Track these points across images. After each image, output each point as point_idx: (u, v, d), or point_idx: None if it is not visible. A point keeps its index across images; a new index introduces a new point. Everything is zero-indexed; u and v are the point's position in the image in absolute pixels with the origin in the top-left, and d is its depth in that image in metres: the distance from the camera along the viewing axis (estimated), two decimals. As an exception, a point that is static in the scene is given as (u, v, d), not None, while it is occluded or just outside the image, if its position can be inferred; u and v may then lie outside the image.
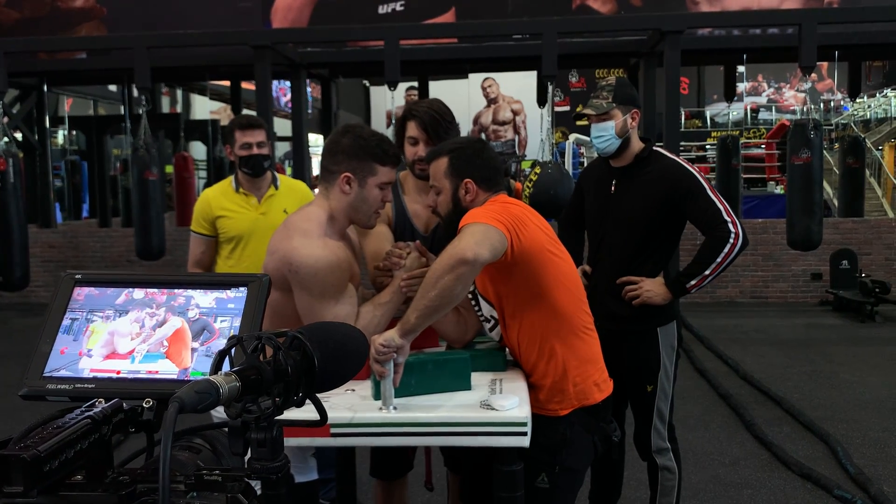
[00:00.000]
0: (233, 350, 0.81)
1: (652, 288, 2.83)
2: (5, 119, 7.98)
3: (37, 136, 10.75)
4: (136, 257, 8.37)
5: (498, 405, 1.99)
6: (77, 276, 0.99)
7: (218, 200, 3.48)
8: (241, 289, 0.97)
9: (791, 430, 4.66)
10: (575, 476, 2.24)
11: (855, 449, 4.31)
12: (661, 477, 2.99)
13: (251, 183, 3.49)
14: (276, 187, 3.54)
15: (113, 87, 14.02)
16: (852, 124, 14.30)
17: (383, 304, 2.25)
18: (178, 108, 16.86)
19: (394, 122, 9.09)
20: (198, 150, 14.68)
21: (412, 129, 2.57)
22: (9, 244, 7.80)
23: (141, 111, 7.85)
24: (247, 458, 0.85)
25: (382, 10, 8.93)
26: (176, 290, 0.98)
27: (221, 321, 0.97)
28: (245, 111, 9.71)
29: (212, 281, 0.99)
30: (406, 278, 2.22)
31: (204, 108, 16.87)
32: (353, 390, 2.16)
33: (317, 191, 2.35)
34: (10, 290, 8.33)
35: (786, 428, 4.70)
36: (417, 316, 1.96)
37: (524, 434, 1.96)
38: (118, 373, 0.94)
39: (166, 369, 0.95)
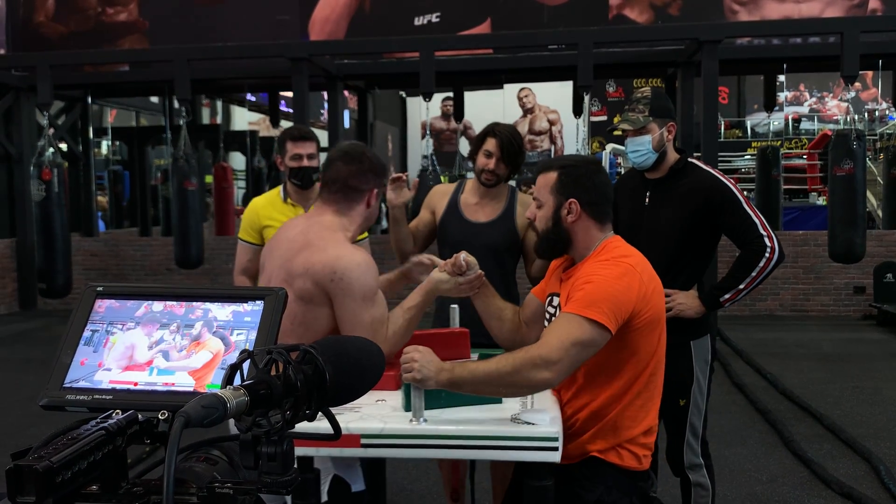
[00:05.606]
0: (246, 364, 0.82)
1: (685, 301, 2.79)
2: (51, 130, 8.18)
3: (81, 147, 11.01)
4: (175, 266, 8.51)
5: (529, 419, 1.98)
6: (98, 289, 1.01)
7: (266, 210, 3.52)
8: (258, 302, 0.98)
9: (831, 448, 4.55)
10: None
11: (898, 468, 4.20)
12: (695, 493, 2.93)
13: (299, 194, 3.52)
14: None
15: (154, 99, 14.30)
16: (898, 134, 14.01)
17: (411, 308, 2.32)
18: (218, 120, 17.13)
19: (428, 132, 9.04)
20: (237, 160, 14.89)
21: (490, 144, 2.97)
22: (52, 252, 8.00)
23: (181, 122, 8.01)
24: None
25: (418, 21, 9.00)
26: (194, 303, 0.99)
27: (238, 334, 0.98)
28: (283, 122, 9.82)
29: (229, 294, 1.00)
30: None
31: (243, 119, 17.11)
32: (385, 401, 2.16)
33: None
34: (52, 297, 8.54)
35: (826, 445, 4.59)
36: (470, 383, 1.97)
37: (555, 449, 1.94)
38: (135, 384, 0.95)
39: (182, 382, 0.95)
